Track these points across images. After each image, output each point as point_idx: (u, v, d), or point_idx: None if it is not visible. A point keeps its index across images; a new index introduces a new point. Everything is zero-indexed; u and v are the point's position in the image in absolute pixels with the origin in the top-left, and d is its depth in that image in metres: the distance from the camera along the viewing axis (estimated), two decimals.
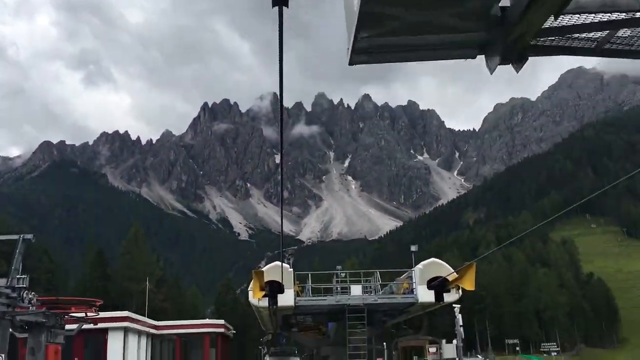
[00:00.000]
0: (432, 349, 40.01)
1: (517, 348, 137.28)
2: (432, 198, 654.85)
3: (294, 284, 24.29)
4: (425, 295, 23.76)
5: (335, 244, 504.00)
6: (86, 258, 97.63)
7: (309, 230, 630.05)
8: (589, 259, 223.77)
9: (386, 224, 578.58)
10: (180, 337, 29.58)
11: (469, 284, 21.30)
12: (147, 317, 31.45)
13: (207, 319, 34.86)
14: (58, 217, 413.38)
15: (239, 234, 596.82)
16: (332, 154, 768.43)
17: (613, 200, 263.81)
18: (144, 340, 27.37)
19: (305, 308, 25.36)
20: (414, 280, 24.29)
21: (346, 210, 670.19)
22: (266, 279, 23.01)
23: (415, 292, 24.02)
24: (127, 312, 25.49)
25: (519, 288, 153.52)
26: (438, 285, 23.82)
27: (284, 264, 23.12)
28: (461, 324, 37.95)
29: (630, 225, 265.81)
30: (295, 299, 23.80)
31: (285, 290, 23.48)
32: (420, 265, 24.17)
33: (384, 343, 48.82)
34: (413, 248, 25.45)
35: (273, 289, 23.69)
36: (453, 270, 23.53)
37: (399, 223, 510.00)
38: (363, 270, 26.73)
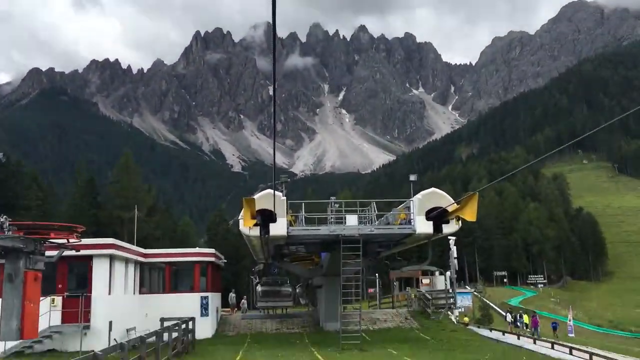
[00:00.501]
0: (426, 280, 39.70)
1: (505, 280, 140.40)
2: (426, 132, 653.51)
3: (287, 213, 23.29)
4: (424, 226, 22.85)
5: (328, 177, 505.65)
6: (76, 185, 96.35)
7: (302, 163, 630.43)
8: (579, 194, 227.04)
9: (379, 158, 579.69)
10: (169, 265, 28.66)
11: (470, 215, 20.36)
12: (137, 245, 30.45)
13: (198, 248, 33.95)
14: (49, 144, 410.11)
15: (232, 166, 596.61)
16: (326, 87, 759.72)
17: (605, 137, 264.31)
18: (131, 267, 26.54)
19: (298, 238, 24.47)
20: (412, 211, 23.33)
21: (339, 144, 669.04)
22: (258, 207, 21.99)
23: (412, 223, 23.10)
24: (112, 239, 24.37)
25: (510, 222, 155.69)
26: (437, 216, 22.91)
27: (276, 192, 22.04)
28: (455, 255, 37.49)
29: (621, 161, 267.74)
30: (288, 228, 22.85)
31: (277, 219, 22.51)
32: (419, 195, 23.14)
33: (377, 274, 48.71)
34: (412, 177, 24.35)
35: (265, 217, 22.72)
36: (453, 201, 22.57)
37: (392, 157, 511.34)
38: (359, 200, 25.64)
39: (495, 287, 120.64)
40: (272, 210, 22.10)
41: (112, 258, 24.25)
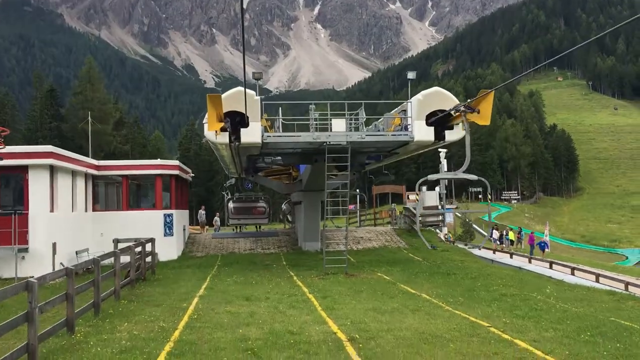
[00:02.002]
0: (413, 196, 36.73)
1: (480, 196, 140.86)
2: (402, 49, 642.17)
3: (262, 116, 19.51)
4: (423, 132, 19.32)
5: (302, 94, 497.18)
6: (35, 97, 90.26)
7: (277, 79, 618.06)
8: (553, 111, 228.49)
9: (354, 75, 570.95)
10: (127, 178, 24.94)
11: (483, 118, 16.88)
12: (92, 158, 26.56)
13: (159, 159, 30.05)
14: (14, 57, 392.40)
15: (205, 82, 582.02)
16: (301, 0, 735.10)
17: (581, 54, 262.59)
18: (80, 181, 22.90)
19: (275, 146, 20.79)
20: (409, 115, 19.71)
21: (314, 60, 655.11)
22: (226, 108, 18.16)
23: (410, 129, 19.52)
24: (51, 146, 20.46)
25: (486, 138, 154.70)
26: (439, 120, 19.41)
27: (248, 90, 18.18)
28: (446, 169, 34.44)
29: (595, 78, 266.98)
30: (262, 134, 19.14)
31: (250, 123, 18.77)
32: (419, 96, 19.42)
33: (357, 189, 45.69)
34: (410, 75, 20.57)
35: (234, 121, 19.00)
36: (458, 103, 19.01)
37: (368, 74, 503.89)
38: (347, 101, 21.77)
39: (470, 203, 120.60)
40: (244, 112, 18.32)
41: (53, 169, 20.43)
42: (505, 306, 13.37)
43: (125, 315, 12.47)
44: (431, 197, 34.12)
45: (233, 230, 39.71)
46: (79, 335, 10.44)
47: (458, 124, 19.39)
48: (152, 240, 20.24)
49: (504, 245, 42.74)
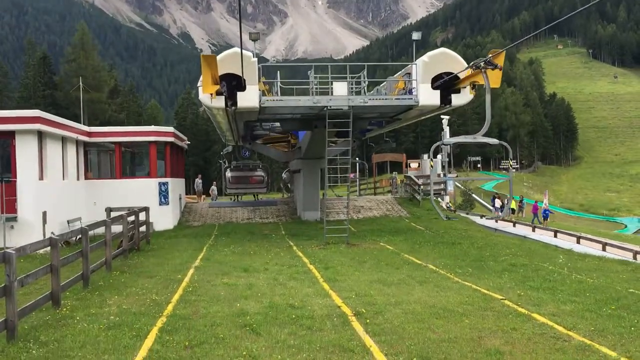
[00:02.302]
0: (414, 164, 35.97)
1: (479, 165, 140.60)
2: (401, 17, 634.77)
3: (259, 80, 18.61)
4: (428, 96, 18.43)
5: (300, 63, 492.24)
6: (27, 64, 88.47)
7: (274, 48, 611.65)
8: (552, 80, 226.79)
9: (352, 43, 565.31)
10: (120, 145, 24.10)
11: (493, 80, 15.98)
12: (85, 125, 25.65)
13: (153, 126, 29.11)
14: (7, 25, 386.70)
15: (201, 50, 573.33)
16: None
17: (582, 21, 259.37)
18: (71, 148, 22.08)
19: (274, 111, 19.89)
20: (414, 77, 18.78)
21: (312, 28, 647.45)
22: (222, 70, 17.25)
23: (415, 93, 18.62)
24: (39, 110, 19.55)
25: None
26: (446, 83, 18.51)
27: (245, 51, 17.22)
28: (448, 137, 33.60)
29: (595, 46, 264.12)
30: (260, 99, 18.25)
31: (247, 86, 17.89)
32: (424, 58, 18.46)
33: (356, 157, 44.76)
34: (415, 36, 19.53)
35: (231, 85, 18.10)
36: (467, 65, 18.09)
37: (366, 42, 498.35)
38: (349, 63, 20.78)
39: (469, 172, 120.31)
40: (240, 75, 17.41)
41: (41, 135, 19.56)
42: (516, 277, 12.71)
43: (116, 287, 11.78)
44: (434, 165, 33.33)
45: (230, 199, 38.99)
46: (65, 309, 9.75)
47: (465, 87, 18.50)
48: (146, 209, 19.51)
49: (512, 215, 42.08)
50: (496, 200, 44.25)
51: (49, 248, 10.42)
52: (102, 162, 26.57)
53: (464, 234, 22.99)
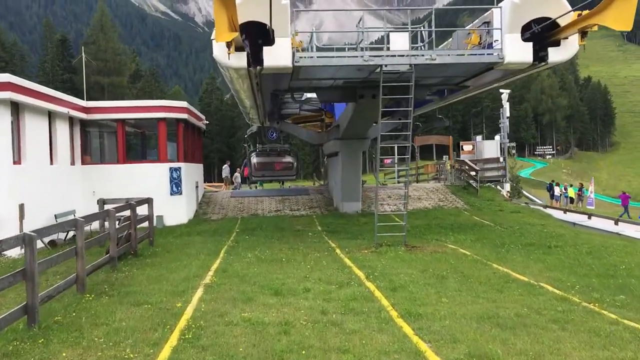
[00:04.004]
0: (467, 147, 31.22)
1: (514, 152, 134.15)
2: (427, 3, 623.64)
3: (292, 32, 14.11)
4: (517, 50, 13.73)
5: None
6: (46, 47, 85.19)
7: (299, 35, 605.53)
8: (585, 64, 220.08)
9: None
10: (123, 123, 19.88)
11: (622, 21, 11.32)
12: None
13: (163, 100, 24.72)
14: (35, 15, 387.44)
15: None
16: None
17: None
18: (62, 125, 18.09)
19: (311, 74, 15.36)
20: (497, 26, 14.09)
21: (337, 14, 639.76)
22: (243, 18, 12.82)
23: (500, 46, 13.94)
24: (9, 75, 15.34)
25: (520, 90, 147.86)
26: (541, 33, 13.83)
27: None
28: (508, 114, 28.81)
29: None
30: (294, 55, 13.77)
31: (276, 39, 13.46)
32: None
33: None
34: None
35: (254, 36, 13.72)
36: (571, 9, 13.41)
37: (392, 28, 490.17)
38: (410, 7, 16.07)
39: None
40: (267, 24, 12.98)
41: (18, 108, 15.42)
42: None
43: (78, 328, 7.49)
44: (490, 148, 28.62)
45: (252, 187, 35.00)
46: None
47: (567, 37, 13.79)
48: (149, 201, 15.27)
49: (571, 205, 37.16)
50: (555, 187, 39.33)
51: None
52: (106, 144, 22.53)
53: (546, 231, 18.38)
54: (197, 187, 24.34)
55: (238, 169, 38.69)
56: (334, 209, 24.37)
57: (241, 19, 12.74)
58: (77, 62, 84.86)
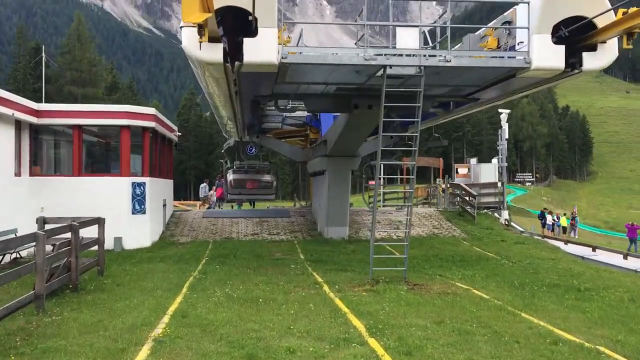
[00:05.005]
0: (463, 170, 29.03)
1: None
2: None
3: (279, 24, 11.68)
4: (547, 53, 11.52)
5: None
6: (18, 54, 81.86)
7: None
8: (563, 93, 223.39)
9: None
10: (80, 129, 17.25)
11: None
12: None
13: (127, 105, 21.97)
14: (16, 25, 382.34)
15: None
16: None
17: None
18: (6, 130, 15.40)
19: (299, 76, 12.91)
20: (522, 25, 11.86)
21: (319, 36, 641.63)
22: (219, 2, 10.43)
23: (527, 48, 11.68)
24: None
25: (499, 116, 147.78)
26: (572, 35, 11.65)
27: None
28: (507, 136, 26.73)
29: None
30: (279, 50, 11.37)
31: (260, 29, 11.07)
32: None
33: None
34: None
35: (232, 24, 11.35)
36: (610, 7, 11.27)
37: None
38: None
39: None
40: (249, 10, 10.60)
41: None
42: None
43: None
44: (488, 172, 26.45)
45: (234, 207, 32.45)
46: None
47: (605, 41, 11.62)
48: (99, 222, 12.67)
49: (564, 235, 35.16)
50: (547, 216, 37.33)
51: None
52: (61, 154, 19.84)
53: (561, 267, 16.09)
54: (164, 205, 21.67)
55: (213, 186, 36.10)
56: (317, 234, 21.87)
57: (218, 3, 10.33)
58: (51, 71, 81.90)
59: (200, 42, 10.37)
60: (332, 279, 13.09)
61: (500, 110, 25.75)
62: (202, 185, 37.17)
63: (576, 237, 37.69)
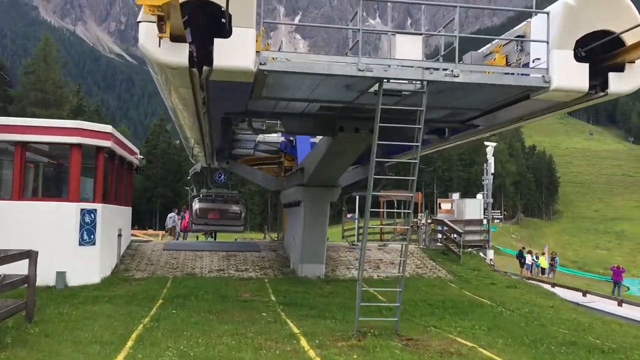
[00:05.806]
0: (446, 205, 27.34)
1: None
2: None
3: (258, 27, 9.84)
4: (569, 73, 9.90)
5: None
6: None
7: None
8: (529, 134, 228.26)
9: None
10: (23, 147, 14.97)
11: None
12: None
13: (79, 121, 19.59)
14: None
15: None
16: (282, 9, 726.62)
17: None
18: None
19: (281, 87, 10.99)
20: (539, 38, 10.23)
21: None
22: None
23: (547, 65, 10.03)
24: None
25: (470, 154, 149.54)
26: (596, 53, 10.08)
27: None
28: (492, 171, 25.23)
29: None
30: (258, 56, 9.50)
31: (234, 29, 9.21)
32: (570, 0, 9.94)
33: (356, 195, 34.92)
34: None
35: (200, 24, 9.50)
36: None
37: None
38: (425, 3, 11.68)
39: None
40: (222, 6, 8.76)
41: None
42: None
43: None
44: (472, 208, 24.82)
45: (196, 238, 30.20)
46: None
47: (634, 60, 10.07)
48: (30, 256, 10.47)
49: (542, 276, 33.68)
50: (527, 255, 35.90)
51: None
52: (2, 175, 17.52)
53: (566, 318, 14.35)
54: (120, 235, 19.37)
55: (177, 215, 33.74)
56: (290, 271, 19.78)
57: None
58: (14, 92, 78.90)
59: (160, 38, 8.45)
60: (310, 329, 11.06)
61: (486, 143, 24.32)
62: (170, 215, 34.85)
63: (554, 277, 36.37)
